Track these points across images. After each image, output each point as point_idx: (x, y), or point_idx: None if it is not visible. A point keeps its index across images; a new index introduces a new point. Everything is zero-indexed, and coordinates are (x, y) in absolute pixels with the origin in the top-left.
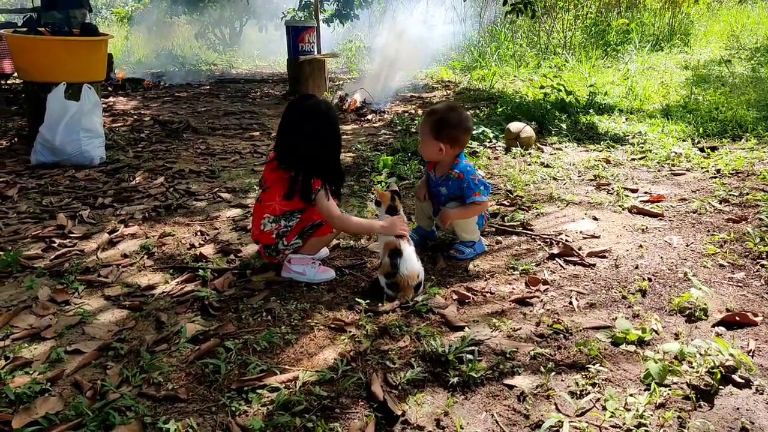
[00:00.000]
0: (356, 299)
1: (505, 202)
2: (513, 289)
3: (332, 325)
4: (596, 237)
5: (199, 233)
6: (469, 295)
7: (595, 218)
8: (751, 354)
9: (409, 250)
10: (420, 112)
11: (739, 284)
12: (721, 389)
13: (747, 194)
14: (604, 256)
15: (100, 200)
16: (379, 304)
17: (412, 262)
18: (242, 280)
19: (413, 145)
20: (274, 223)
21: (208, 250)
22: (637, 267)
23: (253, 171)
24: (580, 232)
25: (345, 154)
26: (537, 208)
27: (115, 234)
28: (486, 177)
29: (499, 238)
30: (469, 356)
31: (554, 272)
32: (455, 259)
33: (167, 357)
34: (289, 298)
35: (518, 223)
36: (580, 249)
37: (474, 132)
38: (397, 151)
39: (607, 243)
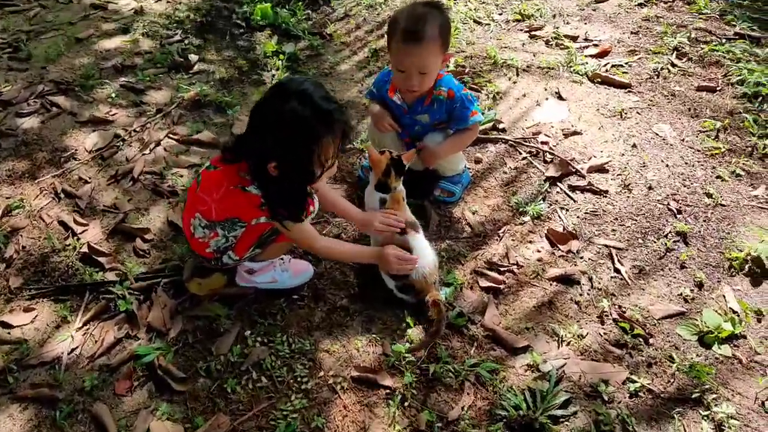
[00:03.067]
0: (391, 345)
1: None
2: (539, 251)
3: (356, 376)
4: (578, 133)
5: (61, 195)
6: (498, 277)
7: (560, 97)
8: None
9: (419, 245)
10: None
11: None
12: None
13: (700, 42)
14: (606, 171)
15: None
16: (403, 326)
17: (425, 259)
18: (181, 297)
19: None
20: (207, 230)
21: (96, 234)
22: (650, 188)
23: (77, 41)
24: (560, 130)
25: None
26: (489, 86)
27: None
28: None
29: (478, 153)
30: (562, 411)
31: (567, 209)
32: (445, 202)
33: None
34: (273, 329)
35: (490, 124)
36: (572, 160)
37: None
38: None
39: (595, 143)
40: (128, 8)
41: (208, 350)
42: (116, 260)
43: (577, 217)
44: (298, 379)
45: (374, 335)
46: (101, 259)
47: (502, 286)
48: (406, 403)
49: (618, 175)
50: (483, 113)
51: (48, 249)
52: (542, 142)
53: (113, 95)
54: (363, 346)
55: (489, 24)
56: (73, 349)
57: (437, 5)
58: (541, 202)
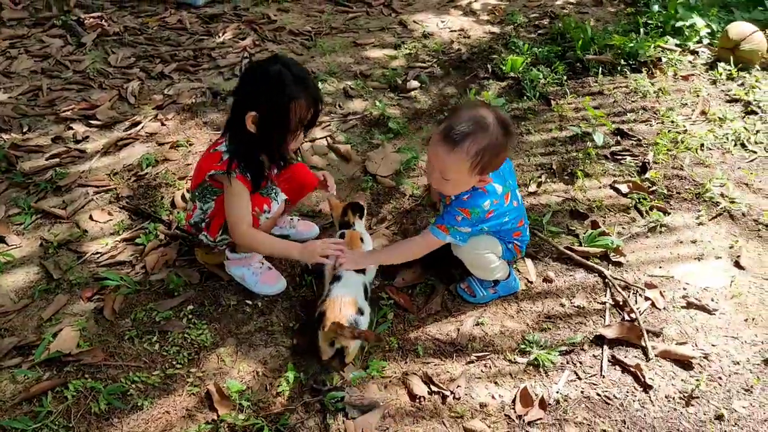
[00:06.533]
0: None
1: (622, 187)
2: (494, 397)
3: (208, 392)
4: (709, 312)
5: None
6: (418, 393)
7: (738, 264)
8: None
9: (348, 278)
10: None
11: None
12: None
13: None
14: (687, 366)
15: (160, 67)
16: (283, 375)
17: (343, 289)
18: (185, 258)
19: None
20: (191, 202)
21: None
22: (718, 418)
23: (354, 44)
24: (686, 297)
25: None
26: (656, 215)
27: (131, 132)
28: (636, 115)
29: (552, 271)
30: None
31: (582, 378)
32: (462, 299)
33: (8, 381)
34: (205, 315)
35: (601, 250)
36: (654, 334)
37: (680, 23)
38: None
39: (715, 334)
40: (420, 31)
41: (148, 305)
42: (186, 209)
43: (581, 392)
44: (173, 362)
45: (265, 367)
46: (181, 204)
47: (408, 405)
48: None
49: (698, 380)
50: (458, 237)
51: (165, 181)
52: (646, 297)
53: (331, 92)
54: (244, 373)
55: (756, 154)
56: (96, 252)
57: (504, 123)
58: (557, 354)
